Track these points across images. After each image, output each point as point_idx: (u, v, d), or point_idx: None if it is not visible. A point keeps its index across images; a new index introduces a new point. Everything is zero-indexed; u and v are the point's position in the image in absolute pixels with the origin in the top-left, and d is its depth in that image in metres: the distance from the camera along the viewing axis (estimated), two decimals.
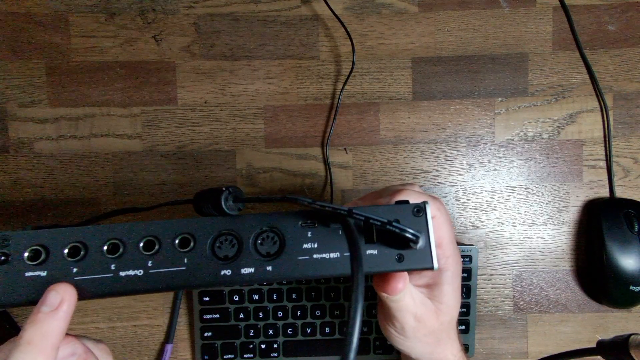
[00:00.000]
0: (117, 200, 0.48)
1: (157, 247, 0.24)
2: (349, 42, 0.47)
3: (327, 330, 0.46)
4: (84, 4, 0.47)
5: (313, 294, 0.46)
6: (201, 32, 0.48)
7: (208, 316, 0.45)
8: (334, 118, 0.48)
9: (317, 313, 0.46)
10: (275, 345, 0.46)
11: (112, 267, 0.23)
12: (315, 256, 0.24)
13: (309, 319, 0.46)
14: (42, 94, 0.47)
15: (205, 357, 0.46)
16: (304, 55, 0.48)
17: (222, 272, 0.24)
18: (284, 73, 0.48)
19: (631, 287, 0.45)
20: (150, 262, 0.24)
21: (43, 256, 0.23)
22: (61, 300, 0.22)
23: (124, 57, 0.47)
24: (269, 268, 0.24)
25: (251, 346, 0.46)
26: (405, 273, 0.27)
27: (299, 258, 0.24)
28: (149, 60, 0.48)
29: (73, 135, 0.47)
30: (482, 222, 0.49)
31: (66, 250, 0.23)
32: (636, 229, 0.46)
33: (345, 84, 0.48)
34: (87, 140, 0.47)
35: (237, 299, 0.45)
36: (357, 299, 0.19)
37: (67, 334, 0.24)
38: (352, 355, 0.18)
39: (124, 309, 0.48)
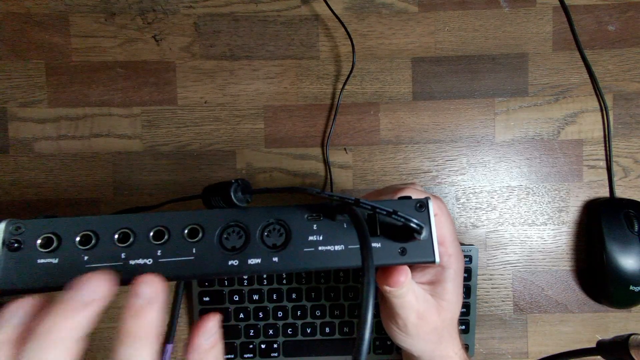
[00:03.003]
0: (117, 200, 0.48)
1: (166, 237, 0.24)
2: (349, 42, 0.47)
3: (327, 330, 0.46)
4: (84, 4, 0.47)
5: (313, 294, 0.46)
6: (201, 32, 0.48)
7: None
8: (334, 118, 0.48)
9: (317, 313, 0.46)
10: (275, 345, 0.46)
11: (122, 255, 0.24)
12: (320, 248, 0.25)
13: (309, 319, 0.46)
14: (42, 94, 0.47)
15: None
16: (304, 55, 0.48)
17: (230, 263, 0.24)
18: (284, 73, 0.48)
19: (631, 287, 0.45)
20: (159, 251, 0.24)
21: (55, 244, 0.23)
22: (157, 291, 0.21)
23: (124, 57, 0.47)
24: (275, 259, 0.25)
25: (251, 346, 0.46)
26: (407, 267, 0.27)
27: (305, 250, 0.25)
28: (149, 60, 0.48)
29: (73, 135, 0.47)
30: (482, 222, 0.49)
31: (78, 239, 0.24)
32: (636, 229, 0.46)
33: (345, 84, 0.48)
34: (87, 140, 0.47)
35: (237, 299, 0.45)
36: (369, 282, 0.19)
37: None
38: (366, 335, 0.18)
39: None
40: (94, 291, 0.21)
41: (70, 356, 0.20)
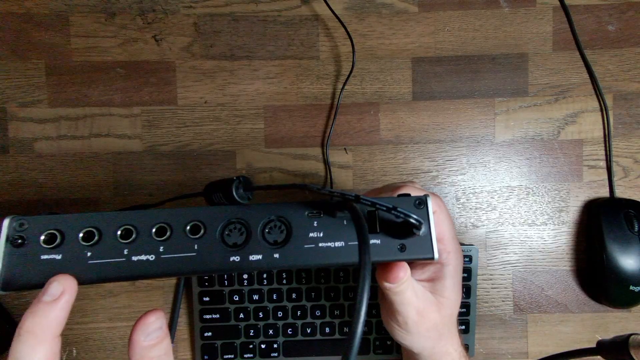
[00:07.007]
0: (117, 200, 0.48)
1: (168, 233, 0.24)
2: (349, 42, 0.47)
3: (327, 330, 0.46)
4: (84, 4, 0.47)
5: (313, 294, 0.46)
6: (201, 32, 0.48)
7: (208, 316, 0.45)
8: (334, 118, 0.48)
9: (317, 313, 0.46)
10: (275, 345, 0.46)
11: (125, 251, 0.24)
12: (321, 245, 0.25)
13: (309, 319, 0.46)
14: (42, 94, 0.47)
15: (205, 357, 0.46)
16: (304, 55, 0.48)
17: (231, 259, 0.25)
18: (284, 73, 0.48)
19: (631, 287, 0.45)
20: (161, 247, 0.24)
21: (58, 240, 0.24)
22: (62, 291, 0.22)
23: (124, 57, 0.48)
24: (276, 255, 0.25)
25: (251, 346, 0.46)
26: (406, 263, 0.27)
27: (305, 246, 0.25)
28: (149, 60, 0.48)
29: (73, 135, 0.47)
30: (482, 222, 0.49)
31: (81, 235, 0.24)
32: (636, 229, 0.46)
33: (345, 84, 0.48)
34: (87, 140, 0.47)
35: (237, 299, 0.45)
36: (365, 277, 0.20)
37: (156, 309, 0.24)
38: (359, 329, 0.18)
39: (124, 309, 0.48)
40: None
41: (51, 351, 0.21)
